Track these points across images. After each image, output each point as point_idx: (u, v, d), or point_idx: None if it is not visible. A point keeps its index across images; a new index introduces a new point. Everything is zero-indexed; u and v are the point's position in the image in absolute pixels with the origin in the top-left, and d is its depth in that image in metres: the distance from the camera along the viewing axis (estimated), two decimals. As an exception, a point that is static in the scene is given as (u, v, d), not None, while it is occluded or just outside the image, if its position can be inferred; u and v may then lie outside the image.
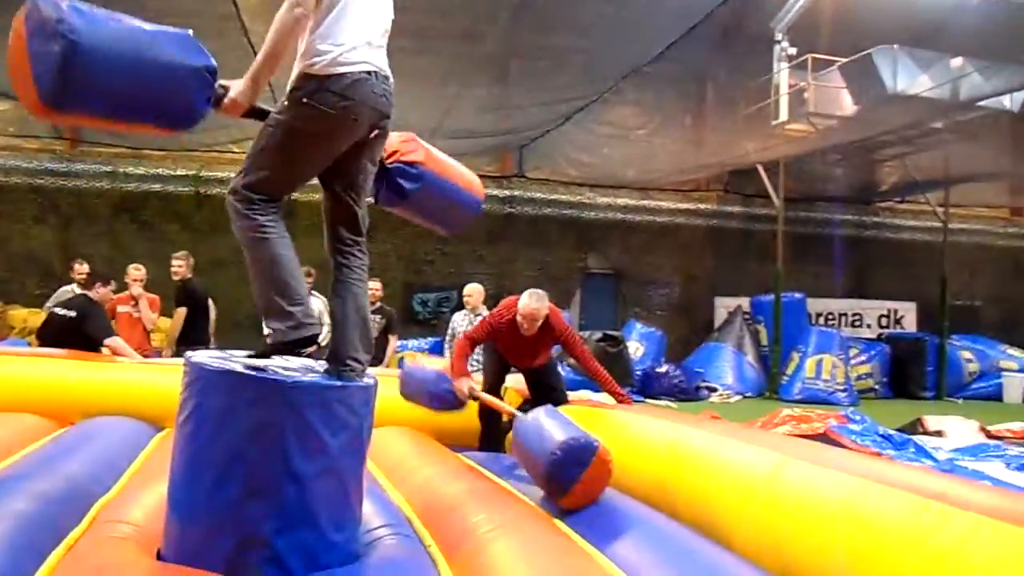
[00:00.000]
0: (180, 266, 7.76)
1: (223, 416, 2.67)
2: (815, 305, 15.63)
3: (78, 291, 7.70)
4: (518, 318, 5.22)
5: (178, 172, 13.79)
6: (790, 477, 3.06)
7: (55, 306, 7.12)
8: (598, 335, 12.16)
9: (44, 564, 2.65)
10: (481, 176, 3.96)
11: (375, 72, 2.87)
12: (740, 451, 3.49)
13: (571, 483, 3.55)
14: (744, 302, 15.31)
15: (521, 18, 8.85)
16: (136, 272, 7.83)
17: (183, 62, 2.62)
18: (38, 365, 5.59)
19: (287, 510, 2.66)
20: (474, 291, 8.17)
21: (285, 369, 2.86)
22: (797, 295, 14.77)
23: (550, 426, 3.80)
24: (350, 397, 2.81)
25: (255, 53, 8.28)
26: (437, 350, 11.86)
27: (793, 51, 12.00)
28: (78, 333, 6.40)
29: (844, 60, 11.67)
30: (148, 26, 2.62)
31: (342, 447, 2.76)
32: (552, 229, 15.82)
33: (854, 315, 16.51)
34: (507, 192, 15.51)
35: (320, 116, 2.78)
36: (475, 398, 5.09)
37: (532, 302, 5.21)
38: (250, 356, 2.92)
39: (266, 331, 3.05)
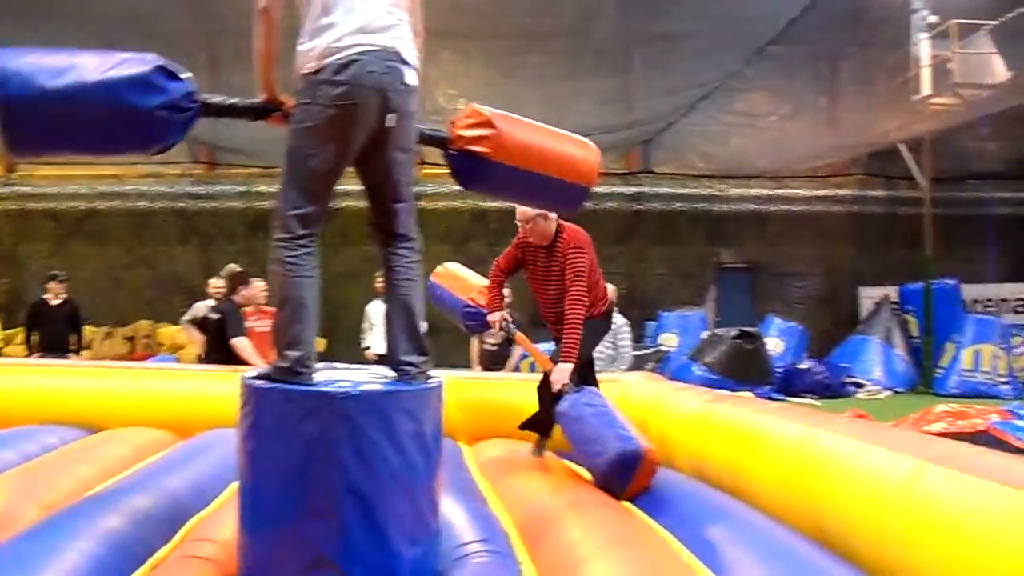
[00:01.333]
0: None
1: (277, 434, 2.57)
2: (970, 291, 14.56)
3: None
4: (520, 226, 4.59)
5: (309, 188, 14.16)
6: (929, 485, 2.68)
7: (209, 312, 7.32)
8: (734, 332, 11.66)
9: (125, 580, 2.63)
10: (607, 174, 3.77)
11: (370, 51, 2.71)
12: (872, 454, 3.12)
13: (622, 489, 3.80)
14: (891, 291, 14.47)
15: (628, 5, 8.58)
16: (261, 286, 7.97)
17: (126, 103, 2.70)
18: (159, 379, 5.73)
19: (350, 528, 2.52)
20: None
21: (348, 379, 2.73)
22: (950, 281, 13.81)
23: (595, 428, 3.97)
24: (408, 402, 2.65)
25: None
26: None
27: (934, 19, 11.24)
28: (222, 336, 6.72)
29: (993, 23, 10.81)
30: (94, 55, 2.74)
31: (406, 456, 2.60)
32: (682, 224, 15.38)
33: (1016, 300, 15.30)
34: (635, 189, 15.14)
35: (319, 109, 2.70)
36: (508, 333, 4.88)
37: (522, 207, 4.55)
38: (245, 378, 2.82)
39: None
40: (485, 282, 5.02)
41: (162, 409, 5.28)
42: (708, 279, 15.57)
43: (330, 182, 2.77)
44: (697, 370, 11.25)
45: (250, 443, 2.63)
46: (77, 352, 9.00)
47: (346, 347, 10.09)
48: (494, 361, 7.64)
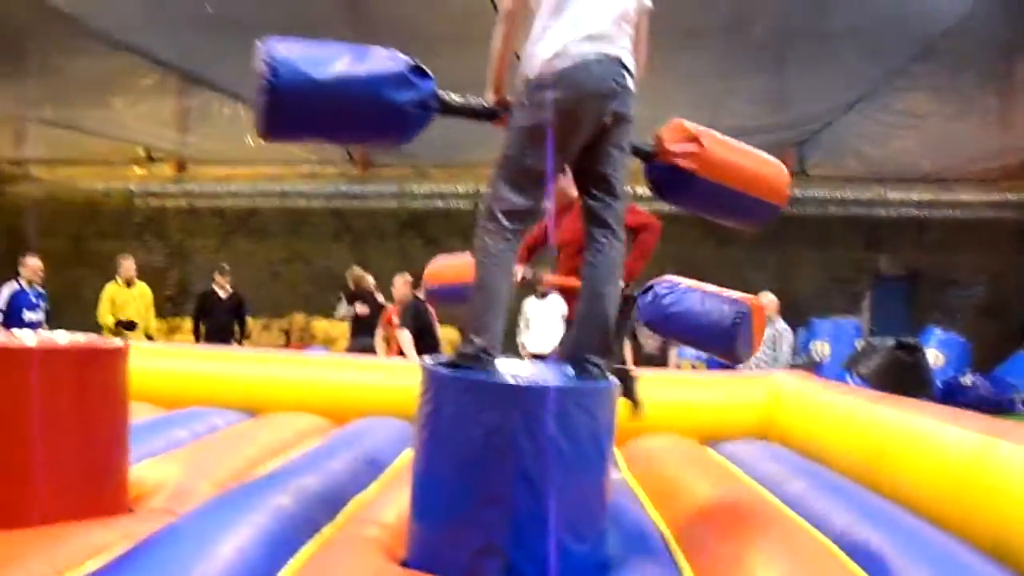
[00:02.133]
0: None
1: (457, 421, 2.62)
2: None
3: None
4: None
5: (459, 189, 14.37)
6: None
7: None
8: (891, 342, 11.15)
9: (295, 556, 2.73)
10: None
11: (594, 59, 2.80)
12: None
13: (750, 347, 3.70)
14: (1066, 304, 13.52)
15: (791, 1, 8.33)
16: (401, 280, 8.20)
17: (385, 97, 2.81)
18: (318, 368, 5.96)
19: (521, 518, 2.56)
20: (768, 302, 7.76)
21: (527, 371, 2.78)
22: None
23: (697, 303, 3.74)
24: (587, 399, 2.67)
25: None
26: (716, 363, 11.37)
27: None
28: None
29: None
30: (355, 50, 2.84)
31: (580, 452, 2.63)
32: (837, 229, 14.79)
33: None
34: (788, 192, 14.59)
35: (539, 110, 2.77)
36: (533, 279, 4.69)
37: None
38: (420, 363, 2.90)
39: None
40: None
41: (319, 396, 5.48)
42: (864, 286, 14.94)
43: (542, 181, 2.82)
44: (851, 380, 10.82)
45: (429, 429, 2.70)
46: (240, 342, 9.49)
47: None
48: (652, 364, 7.60)
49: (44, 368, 3.01)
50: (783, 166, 3.64)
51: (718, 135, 3.40)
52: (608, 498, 2.84)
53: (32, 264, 8.16)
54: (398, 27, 9.69)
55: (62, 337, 3.30)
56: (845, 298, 14.66)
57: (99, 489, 3.14)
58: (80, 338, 3.30)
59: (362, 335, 9.14)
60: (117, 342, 3.33)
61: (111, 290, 8.86)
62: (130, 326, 8.71)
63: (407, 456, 4.34)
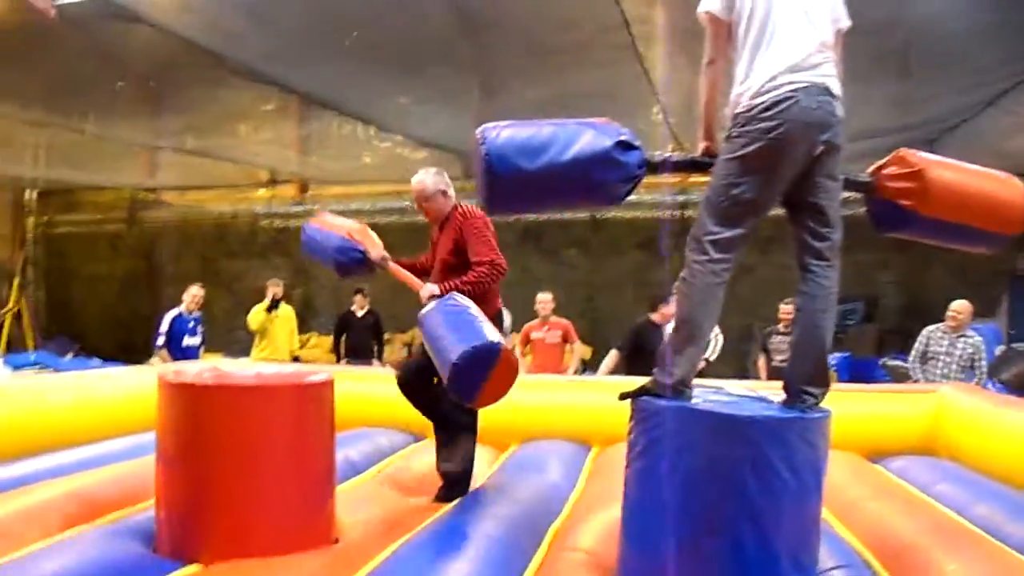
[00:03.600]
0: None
1: (678, 452, 2.67)
2: None
3: None
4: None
5: (575, 200, 14.43)
6: None
7: None
8: (1031, 346, 10.74)
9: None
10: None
11: (804, 88, 2.80)
12: None
13: (476, 391, 3.51)
14: None
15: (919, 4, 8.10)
16: (543, 298, 8.28)
17: (592, 178, 3.00)
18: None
19: (744, 548, 2.60)
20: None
21: (739, 401, 2.80)
22: None
23: (452, 324, 3.67)
24: (807, 430, 2.70)
25: (648, 79, 8.33)
26: (844, 368, 11.08)
27: None
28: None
29: None
30: (562, 129, 3.04)
31: (801, 483, 2.65)
32: (970, 228, 14.25)
33: None
34: (915, 191, 14.11)
35: (748, 141, 2.80)
36: (382, 266, 4.50)
37: (415, 177, 4.43)
38: (621, 393, 2.95)
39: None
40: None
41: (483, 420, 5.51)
42: (1000, 289, 14.37)
43: (752, 212, 2.85)
44: (992, 387, 10.44)
45: (645, 458, 2.75)
46: (379, 358, 9.75)
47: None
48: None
49: (263, 403, 3.18)
50: (1018, 184, 3.41)
51: (947, 161, 3.30)
52: (820, 528, 2.84)
53: (195, 294, 8.62)
54: (514, 40, 9.84)
55: (270, 370, 3.48)
56: (982, 301, 14.08)
57: (311, 520, 3.29)
58: (279, 370, 3.47)
59: None
60: (326, 374, 3.46)
61: (259, 315, 9.22)
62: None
63: (585, 480, 4.42)
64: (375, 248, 4.44)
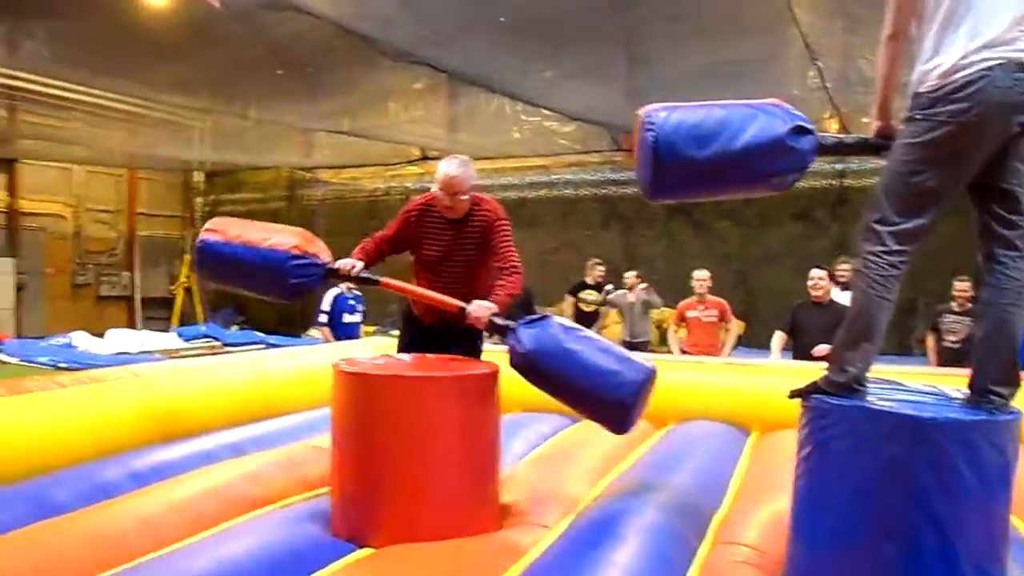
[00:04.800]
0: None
1: (852, 453, 2.58)
2: None
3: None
4: (436, 190, 3.90)
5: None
6: None
7: None
8: None
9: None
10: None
11: (1000, 64, 2.57)
12: None
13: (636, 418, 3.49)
14: None
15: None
16: (700, 276, 8.14)
17: (764, 168, 2.92)
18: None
19: (924, 554, 2.49)
20: None
21: (916, 400, 2.68)
22: None
23: (597, 356, 3.43)
24: (995, 433, 2.55)
25: (807, 44, 7.97)
26: None
27: None
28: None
29: None
30: (733, 113, 2.94)
31: (987, 489, 2.51)
32: None
33: None
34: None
35: (933, 125, 2.61)
36: (364, 280, 3.90)
37: (452, 167, 3.85)
38: (792, 391, 2.84)
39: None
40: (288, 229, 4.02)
41: None
42: None
43: (935, 200, 2.69)
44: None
45: (816, 458, 2.68)
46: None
47: (765, 330, 9.95)
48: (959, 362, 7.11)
49: (432, 393, 3.27)
50: None
51: None
52: (1008, 537, 2.69)
53: None
54: (663, 9, 9.65)
55: (431, 360, 3.57)
56: None
57: (477, 506, 3.37)
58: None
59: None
60: (488, 365, 3.51)
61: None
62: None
63: (745, 467, 4.35)
64: (342, 261, 3.90)
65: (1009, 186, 2.68)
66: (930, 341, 7.76)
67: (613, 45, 10.84)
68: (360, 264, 3.87)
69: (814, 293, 6.83)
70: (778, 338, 7.06)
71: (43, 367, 11.28)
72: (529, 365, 3.48)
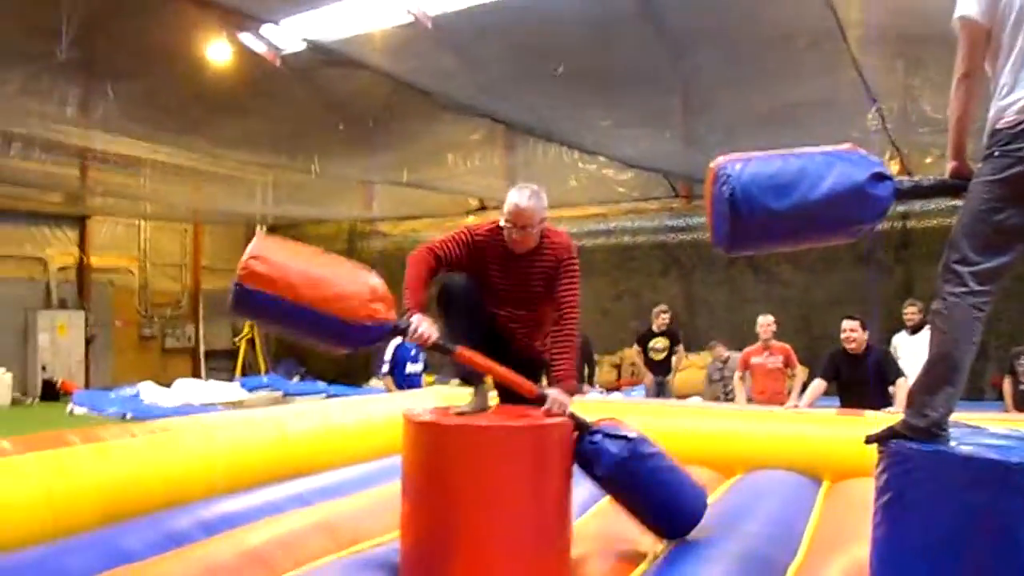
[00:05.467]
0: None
1: (935, 500, 2.50)
2: None
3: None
4: (504, 224, 3.59)
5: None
6: None
7: None
8: None
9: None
10: None
11: None
12: None
13: None
14: None
15: None
16: (764, 321, 8.02)
17: (844, 217, 2.88)
18: (704, 418, 5.91)
19: (1015, 605, 2.38)
20: None
21: (1000, 445, 2.58)
22: None
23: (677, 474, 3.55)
24: None
25: (866, 87, 7.88)
26: None
27: None
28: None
29: None
30: (810, 161, 2.89)
31: None
32: None
33: None
34: None
35: (1011, 165, 2.56)
36: (444, 348, 3.38)
37: (523, 197, 3.51)
38: (868, 436, 2.76)
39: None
40: (347, 274, 3.34)
41: (707, 446, 5.34)
42: None
43: (1018, 239, 2.63)
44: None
45: (896, 506, 2.60)
46: (590, 382, 9.79)
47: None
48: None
49: (503, 444, 3.22)
50: None
51: None
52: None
53: None
54: (719, 55, 9.67)
55: (504, 412, 3.53)
56: None
57: (549, 560, 3.29)
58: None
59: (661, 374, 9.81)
60: (564, 417, 3.44)
61: None
62: None
63: (818, 517, 4.23)
64: (416, 327, 3.30)
65: None
66: (1006, 385, 7.53)
67: (669, 92, 10.88)
68: (435, 333, 3.33)
69: (848, 346, 6.59)
70: (817, 386, 6.76)
71: (111, 417, 11.52)
72: (610, 478, 3.43)
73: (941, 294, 2.67)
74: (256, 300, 3.15)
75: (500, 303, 3.74)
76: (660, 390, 9.76)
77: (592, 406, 4.94)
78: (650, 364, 9.88)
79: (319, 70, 11.24)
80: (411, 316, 3.30)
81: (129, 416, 11.25)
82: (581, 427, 3.46)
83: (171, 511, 3.92)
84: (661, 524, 3.58)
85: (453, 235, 3.67)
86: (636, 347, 10.22)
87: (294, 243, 3.35)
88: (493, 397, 3.79)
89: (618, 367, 15.20)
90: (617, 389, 13.32)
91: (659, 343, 9.88)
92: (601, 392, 10.80)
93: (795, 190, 2.82)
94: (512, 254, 3.64)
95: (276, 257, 3.20)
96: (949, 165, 2.89)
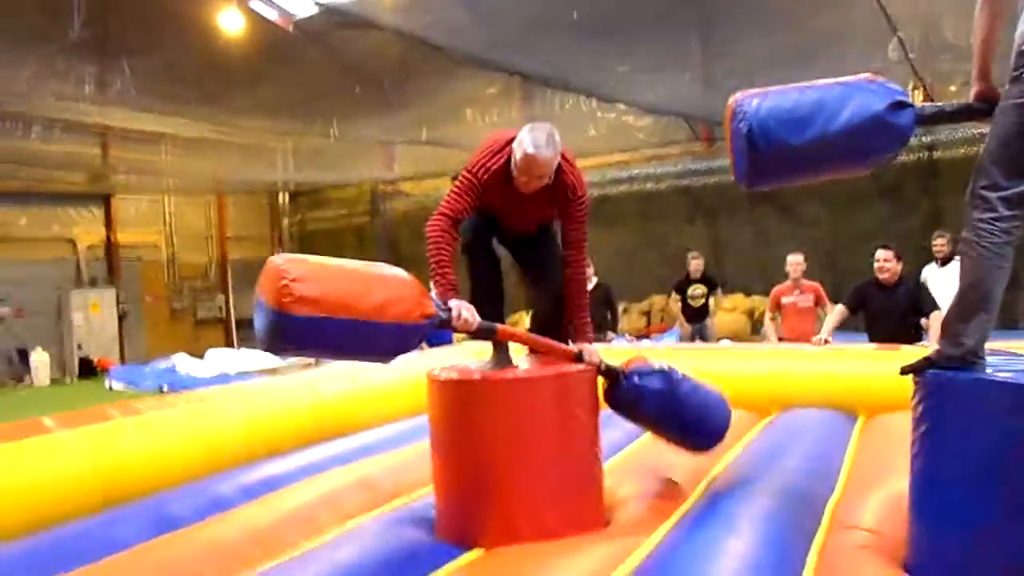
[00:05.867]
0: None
1: (972, 427, 2.48)
2: None
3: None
4: (514, 168, 3.37)
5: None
6: None
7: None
8: None
9: (806, 568, 2.73)
10: None
11: None
12: None
13: None
14: None
15: None
16: (794, 260, 7.95)
17: (864, 148, 2.87)
18: (737, 359, 5.91)
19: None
20: None
21: None
22: None
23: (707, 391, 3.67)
24: None
25: (885, 14, 7.71)
26: None
27: None
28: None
29: None
30: (827, 93, 2.88)
31: None
32: None
33: None
34: None
35: None
36: (485, 331, 3.28)
37: (539, 147, 3.26)
38: (904, 367, 2.73)
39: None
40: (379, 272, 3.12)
41: (742, 387, 5.12)
42: None
43: None
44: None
45: (935, 436, 2.58)
46: (614, 329, 9.75)
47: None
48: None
49: (527, 394, 3.26)
50: None
51: None
52: None
53: None
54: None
55: (530, 363, 3.55)
56: None
57: (583, 504, 3.34)
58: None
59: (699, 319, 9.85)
60: (586, 365, 3.46)
61: None
62: None
63: (855, 451, 4.23)
64: (457, 313, 3.19)
65: None
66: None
67: (686, 33, 10.74)
68: (477, 318, 3.23)
69: (881, 276, 6.47)
70: (838, 313, 6.65)
71: (149, 390, 11.70)
72: (656, 414, 3.55)
73: (971, 221, 2.62)
74: (305, 327, 2.75)
75: (515, 222, 3.72)
76: (700, 333, 9.82)
77: (621, 352, 4.95)
78: (688, 311, 9.88)
79: (332, 33, 11.19)
80: (449, 302, 3.18)
81: (166, 388, 11.43)
82: (615, 374, 3.50)
83: (213, 478, 4.00)
84: (701, 440, 3.67)
85: (460, 187, 3.43)
86: (674, 295, 10.18)
87: (312, 256, 3.02)
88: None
89: (647, 314, 15.19)
90: (647, 336, 13.33)
91: (698, 290, 9.87)
92: (629, 340, 10.79)
93: (813, 122, 2.81)
94: (513, 195, 3.48)
95: (313, 273, 2.83)
96: (974, 89, 2.83)
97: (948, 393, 2.54)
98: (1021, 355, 2.84)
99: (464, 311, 3.19)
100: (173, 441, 4.14)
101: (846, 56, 9.38)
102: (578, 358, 3.41)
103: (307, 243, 19.62)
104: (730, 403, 3.75)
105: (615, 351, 5.38)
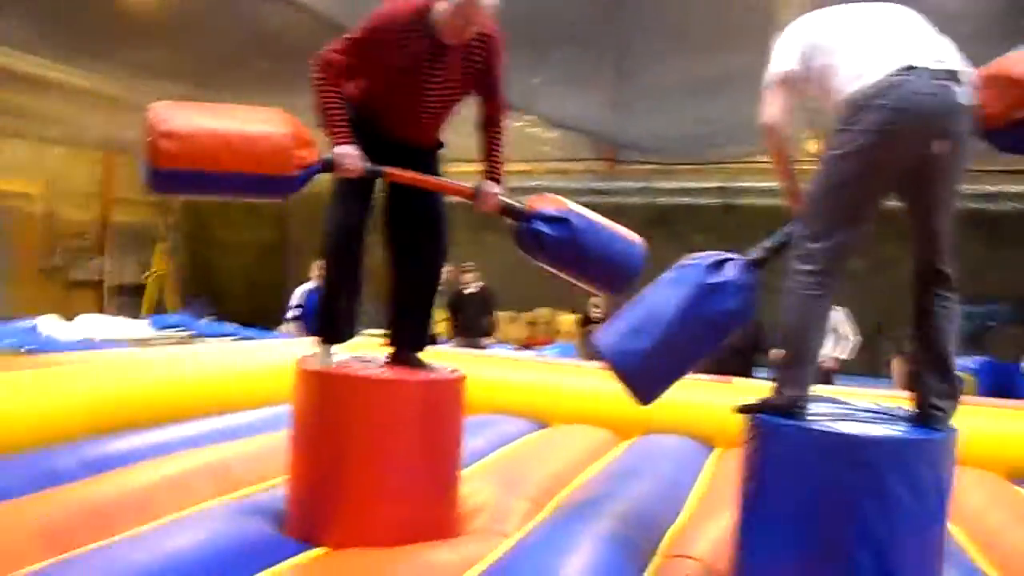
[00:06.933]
0: None
1: (789, 472, 2.59)
2: None
3: None
4: (440, 14, 3.11)
5: (705, 184, 14.15)
6: None
7: None
8: None
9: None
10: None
11: (914, 68, 2.51)
12: None
13: None
14: None
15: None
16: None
17: (708, 316, 2.96)
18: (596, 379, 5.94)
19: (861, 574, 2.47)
20: None
21: (860, 419, 2.67)
22: None
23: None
24: (932, 452, 2.57)
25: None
26: (986, 373, 10.23)
27: None
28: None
29: None
30: (651, 295, 3.07)
31: (924, 508, 2.52)
32: None
33: None
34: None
35: (855, 135, 2.55)
36: (372, 172, 3.22)
37: None
38: (739, 407, 2.82)
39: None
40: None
41: (606, 408, 5.25)
42: None
43: (862, 214, 2.66)
44: None
45: (758, 478, 2.68)
46: (489, 335, 9.73)
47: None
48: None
49: (393, 397, 3.23)
50: None
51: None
52: (943, 556, 2.69)
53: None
54: (653, 22, 9.65)
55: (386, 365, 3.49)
56: None
57: (436, 513, 3.33)
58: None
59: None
60: (457, 372, 3.46)
61: None
62: None
63: (705, 481, 4.33)
64: (342, 159, 3.14)
65: (929, 205, 2.66)
66: (896, 364, 7.76)
67: (601, 55, 10.83)
68: (366, 162, 3.15)
69: None
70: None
71: (6, 350, 11.13)
72: (556, 258, 3.53)
73: (791, 272, 2.70)
74: (174, 179, 2.93)
75: (411, 108, 3.35)
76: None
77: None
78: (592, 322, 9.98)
79: (245, 2, 10.88)
80: (334, 148, 3.12)
81: (24, 349, 10.88)
82: (517, 214, 3.48)
83: (53, 450, 3.79)
84: (607, 285, 3.75)
85: (365, 30, 3.16)
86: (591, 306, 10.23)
87: (194, 103, 3.11)
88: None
89: (533, 324, 15.27)
90: (529, 347, 13.38)
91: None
92: (511, 348, 10.82)
93: (654, 318, 2.92)
94: (434, 45, 3.17)
95: (185, 126, 2.88)
96: (795, 209, 2.89)
97: (770, 438, 2.65)
98: (848, 403, 2.97)
99: (347, 158, 3.13)
100: (10, 407, 3.91)
101: (753, 91, 9.62)
102: (475, 195, 3.40)
103: (197, 213, 18.97)
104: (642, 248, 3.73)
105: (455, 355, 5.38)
